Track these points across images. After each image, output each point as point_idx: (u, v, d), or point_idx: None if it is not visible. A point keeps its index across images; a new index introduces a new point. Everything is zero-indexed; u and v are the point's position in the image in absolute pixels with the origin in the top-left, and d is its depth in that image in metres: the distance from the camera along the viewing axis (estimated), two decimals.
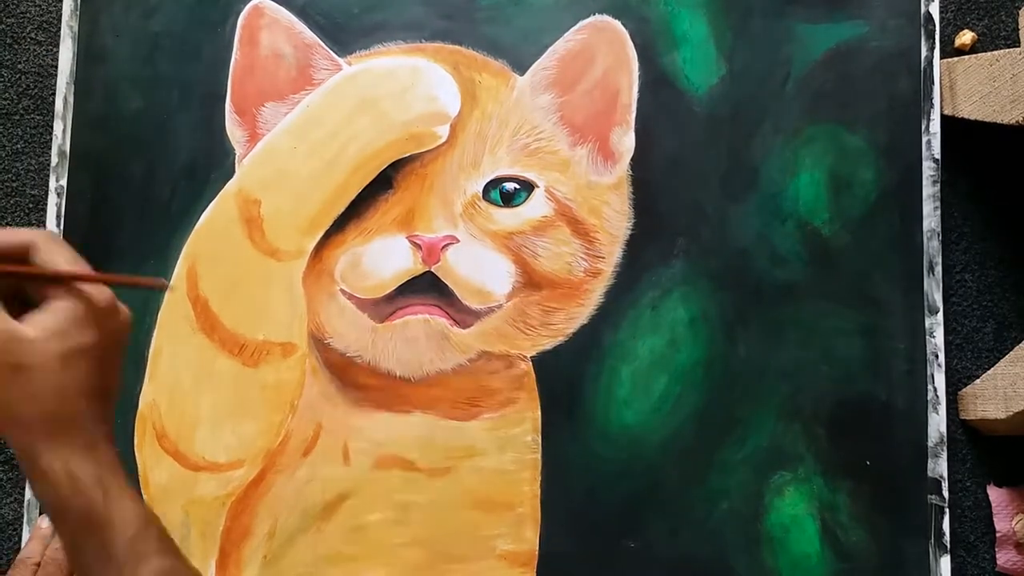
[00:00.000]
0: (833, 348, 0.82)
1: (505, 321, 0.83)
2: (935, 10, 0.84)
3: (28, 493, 0.83)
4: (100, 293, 0.57)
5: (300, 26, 0.86)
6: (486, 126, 0.84)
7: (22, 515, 0.83)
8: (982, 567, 0.81)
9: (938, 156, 0.83)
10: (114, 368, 0.60)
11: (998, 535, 0.81)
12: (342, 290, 0.83)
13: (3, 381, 0.56)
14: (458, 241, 0.83)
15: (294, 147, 0.84)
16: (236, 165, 0.85)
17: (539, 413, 0.82)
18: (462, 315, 0.83)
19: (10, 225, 0.86)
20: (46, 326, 0.56)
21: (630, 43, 0.85)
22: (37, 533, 0.76)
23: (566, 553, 0.81)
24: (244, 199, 0.84)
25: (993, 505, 0.81)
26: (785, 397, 0.82)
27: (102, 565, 0.56)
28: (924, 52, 0.84)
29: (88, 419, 0.57)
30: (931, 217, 0.82)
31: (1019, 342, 0.78)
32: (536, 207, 0.83)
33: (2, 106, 0.88)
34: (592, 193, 0.84)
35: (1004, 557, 0.81)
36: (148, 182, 0.85)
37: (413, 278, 0.82)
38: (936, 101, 0.83)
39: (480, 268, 0.83)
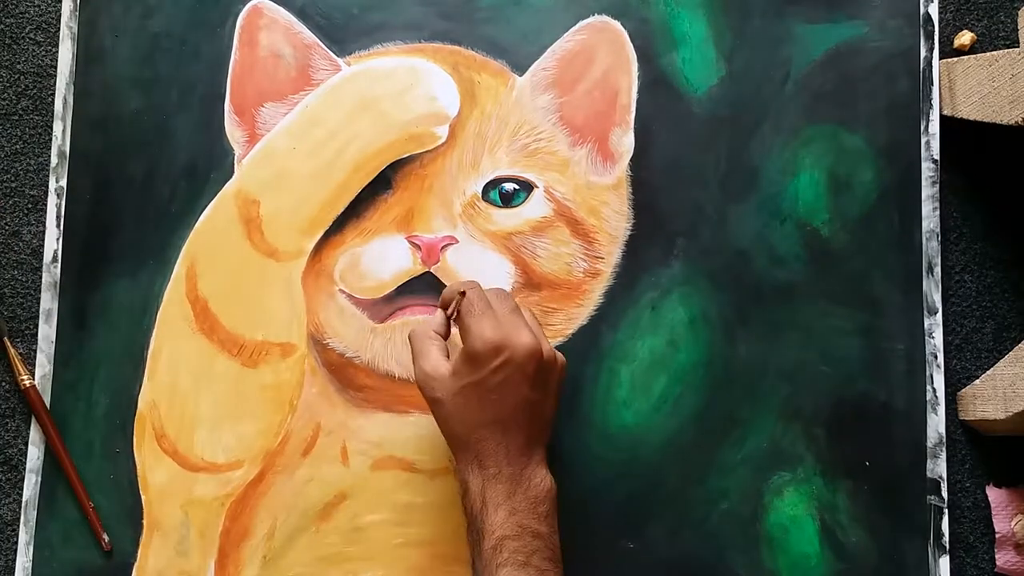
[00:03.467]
0: (832, 348, 0.82)
1: None
2: (934, 11, 0.84)
3: (26, 494, 0.83)
4: (481, 335, 0.71)
5: (299, 26, 0.86)
6: (485, 126, 0.84)
7: (19, 516, 0.83)
8: (981, 568, 0.81)
9: (937, 157, 0.83)
10: (509, 399, 0.71)
11: (997, 536, 0.81)
12: (341, 290, 0.83)
13: (432, 409, 0.74)
14: (457, 242, 0.83)
15: (293, 147, 0.84)
16: (235, 165, 0.85)
17: None
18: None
19: (8, 224, 0.86)
20: (452, 367, 0.72)
21: (630, 44, 0.85)
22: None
23: (566, 553, 0.80)
24: (243, 199, 0.84)
25: (992, 506, 0.81)
26: (784, 397, 0.82)
27: (478, 560, 0.71)
28: (923, 52, 0.84)
29: (481, 441, 0.71)
30: (930, 218, 0.82)
31: (1018, 342, 0.78)
32: (535, 207, 0.83)
33: (1, 106, 0.87)
34: (591, 193, 0.84)
35: (1003, 558, 0.81)
36: (147, 182, 0.85)
37: (412, 279, 0.82)
38: (935, 102, 0.83)
39: (479, 269, 0.83)
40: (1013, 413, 0.76)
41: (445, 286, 0.82)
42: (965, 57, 0.82)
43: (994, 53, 0.78)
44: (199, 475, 0.83)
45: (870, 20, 0.85)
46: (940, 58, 0.84)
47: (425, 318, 0.80)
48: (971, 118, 0.80)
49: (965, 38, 0.85)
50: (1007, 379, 0.77)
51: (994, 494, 0.81)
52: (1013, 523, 0.80)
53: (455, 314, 0.75)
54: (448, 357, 0.74)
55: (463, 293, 0.74)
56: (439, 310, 0.77)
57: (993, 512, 0.81)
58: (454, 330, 0.76)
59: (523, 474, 0.71)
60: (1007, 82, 0.76)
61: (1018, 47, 0.77)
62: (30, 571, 0.82)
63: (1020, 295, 0.83)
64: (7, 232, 0.86)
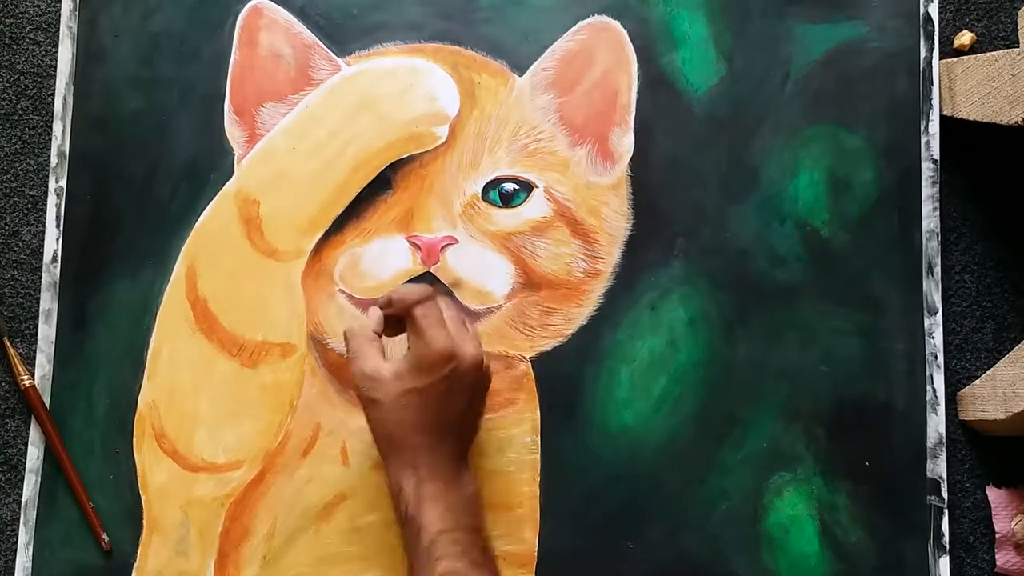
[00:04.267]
0: (832, 349, 0.82)
1: (504, 322, 0.83)
2: (934, 11, 0.84)
3: (26, 494, 0.83)
4: (433, 344, 0.72)
5: (299, 26, 0.86)
6: (485, 126, 0.84)
7: (19, 516, 0.83)
8: (981, 568, 0.81)
9: (937, 157, 0.83)
10: (449, 406, 0.73)
11: (997, 536, 0.81)
12: (341, 290, 0.83)
13: (366, 409, 0.75)
14: (457, 242, 0.83)
15: (293, 147, 0.84)
16: (235, 165, 0.85)
17: (538, 414, 0.82)
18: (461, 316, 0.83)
19: (8, 224, 0.86)
20: (395, 370, 0.73)
21: (629, 44, 0.85)
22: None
23: (565, 554, 0.81)
24: (243, 199, 0.84)
25: (992, 506, 0.81)
26: (784, 397, 0.82)
27: (414, 557, 0.71)
28: (923, 53, 0.84)
29: (418, 446, 0.72)
30: (930, 218, 0.82)
31: (1018, 343, 0.78)
32: (535, 208, 0.83)
33: (1, 106, 0.87)
34: (591, 194, 0.84)
35: (1003, 558, 0.80)
36: (147, 182, 0.85)
37: (412, 279, 0.82)
38: (935, 102, 0.83)
39: (479, 269, 0.83)
40: (1013, 413, 0.76)
41: (445, 286, 0.82)
42: (965, 57, 0.82)
43: (994, 53, 0.78)
44: (199, 475, 0.83)
45: (870, 20, 0.85)
46: (940, 58, 0.84)
47: (360, 314, 0.82)
48: (971, 118, 0.80)
49: (965, 38, 0.85)
50: (1007, 379, 0.77)
51: (994, 494, 0.81)
52: (1013, 523, 0.80)
53: (410, 320, 0.75)
54: (385, 358, 0.75)
55: (421, 301, 0.75)
56: (374, 308, 0.77)
57: (993, 512, 0.81)
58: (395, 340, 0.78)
59: (456, 476, 0.73)
60: (1007, 82, 0.76)
61: (1018, 47, 0.77)
62: (30, 571, 0.82)
63: (1020, 295, 0.83)
64: (7, 232, 0.86)
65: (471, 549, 0.71)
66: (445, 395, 0.73)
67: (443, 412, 0.73)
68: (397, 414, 0.73)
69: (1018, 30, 0.80)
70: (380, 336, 0.77)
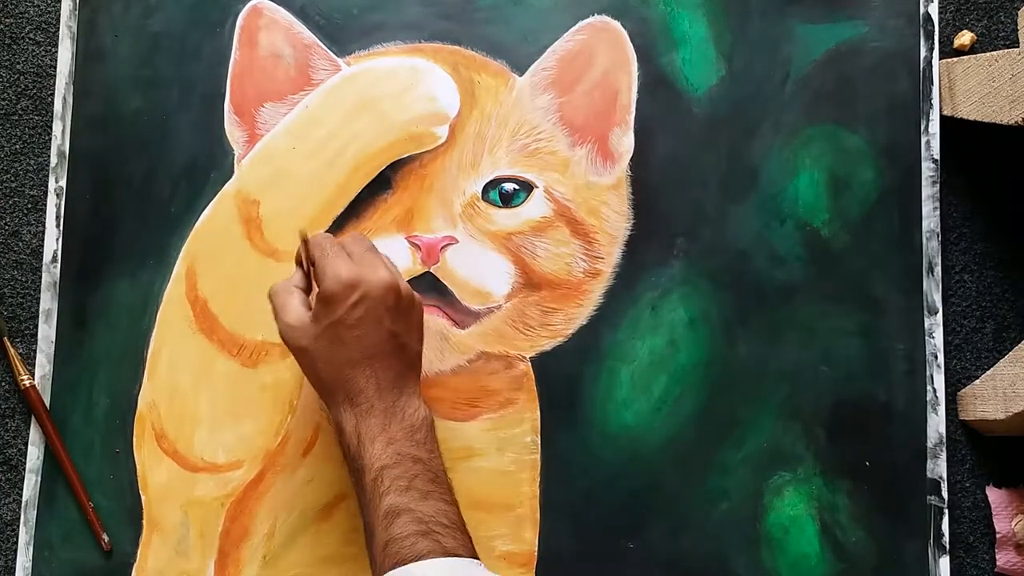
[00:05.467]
0: (832, 348, 0.82)
1: (504, 322, 0.83)
2: (934, 10, 0.84)
3: (26, 494, 0.83)
4: (334, 274, 0.71)
5: (299, 26, 0.86)
6: (485, 126, 0.84)
7: (19, 516, 0.83)
8: (981, 568, 0.81)
9: (937, 156, 0.83)
10: (370, 334, 0.71)
11: (997, 536, 0.81)
12: None
13: (298, 360, 0.74)
14: (457, 242, 0.83)
15: (293, 147, 0.84)
16: (235, 165, 0.85)
17: (538, 414, 0.82)
18: (461, 316, 0.83)
19: (8, 224, 0.86)
20: (300, 315, 0.73)
21: (629, 44, 0.85)
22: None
23: (565, 554, 0.81)
24: (243, 199, 0.84)
25: (992, 506, 0.81)
26: (784, 397, 0.82)
27: (361, 496, 0.71)
28: (923, 52, 0.84)
29: (348, 380, 0.71)
30: (930, 217, 0.82)
31: (1018, 343, 0.78)
32: (535, 208, 0.83)
33: (1, 106, 0.87)
34: (591, 193, 0.84)
35: (1004, 558, 0.81)
36: (147, 182, 0.85)
37: (412, 279, 0.82)
38: (935, 101, 0.83)
39: (479, 269, 0.83)
40: (1013, 413, 0.76)
41: (445, 286, 0.82)
42: (965, 57, 0.82)
43: (994, 53, 0.78)
44: (199, 475, 0.83)
45: (870, 20, 0.85)
46: (940, 58, 0.84)
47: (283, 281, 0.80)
48: (971, 118, 0.80)
49: (965, 38, 0.85)
50: (1007, 379, 0.78)
51: (994, 494, 0.81)
52: (1013, 523, 0.80)
53: (310, 264, 0.75)
54: (310, 308, 0.74)
55: (306, 240, 0.75)
56: (296, 266, 0.77)
57: (993, 512, 0.81)
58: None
59: (396, 405, 0.72)
60: (1007, 82, 0.76)
61: (1018, 47, 0.77)
62: (30, 571, 0.82)
63: (1020, 295, 0.83)
64: (7, 232, 0.86)
65: (417, 480, 0.69)
66: (361, 323, 0.71)
67: (365, 341, 0.71)
68: (322, 354, 0.72)
69: (1018, 30, 0.80)
70: (305, 291, 0.76)
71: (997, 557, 0.81)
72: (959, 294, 0.83)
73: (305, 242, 0.75)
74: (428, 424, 0.73)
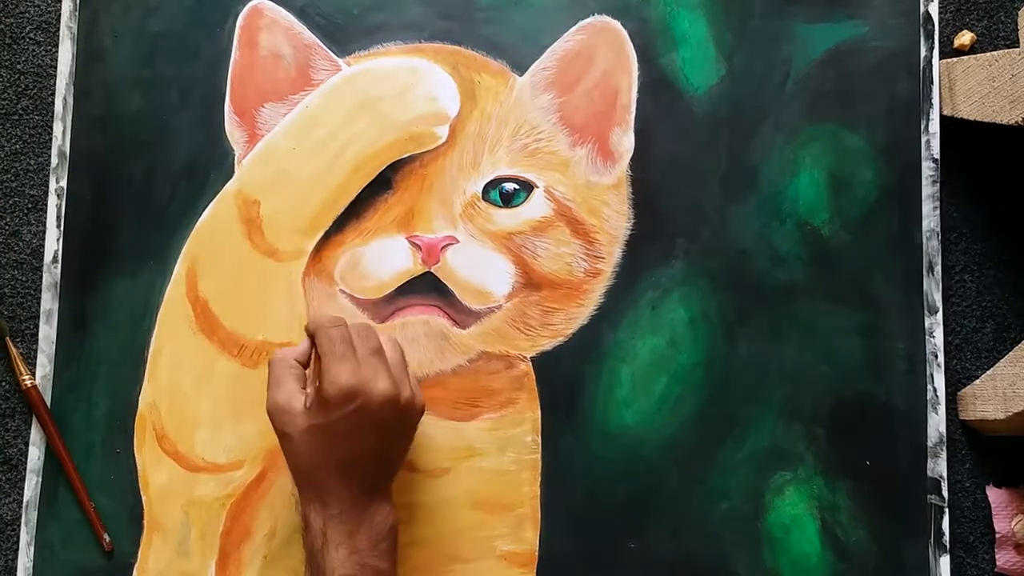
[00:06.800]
0: (833, 348, 0.82)
1: (505, 322, 0.83)
2: (934, 9, 0.84)
3: (27, 495, 0.83)
4: (335, 380, 0.69)
5: (299, 27, 0.86)
6: (485, 126, 0.84)
7: (20, 516, 0.83)
8: (981, 568, 0.81)
9: (937, 156, 0.83)
10: (356, 444, 0.71)
11: (997, 536, 0.81)
12: (342, 291, 0.83)
13: (280, 441, 0.73)
14: (458, 241, 0.83)
15: (293, 148, 0.84)
16: (235, 166, 0.85)
17: (539, 413, 0.82)
18: (462, 316, 0.83)
19: (8, 224, 0.86)
20: (304, 403, 0.71)
21: (630, 43, 0.85)
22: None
23: (566, 553, 0.81)
24: (243, 200, 0.84)
25: (992, 506, 0.81)
26: (785, 397, 0.82)
27: None
28: (923, 52, 0.84)
29: (324, 481, 0.71)
30: (930, 217, 0.83)
31: (1018, 342, 0.78)
32: (535, 207, 0.83)
33: (1, 106, 0.87)
34: (591, 193, 0.84)
35: (1003, 558, 0.81)
36: (147, 183, 0.85)
37: (413, 279, 0.82)
38: (935, 101, 0.83)
39: (480, 269, 0.83)
40: (1013, 413, 0.76)
41: (445, 286, 0.82)
42: (965, 57, 0.82)
43: (994, 53, 0.78)
44: (200, 475, 0.83)
45: (870, 19, 0.85)
46: (940, 58, 0.84)
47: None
48: (971, 118, 0.80)
49: (965, 38, 0.85)
50: (1007, 379, 0.78)
51: (994, 494, 0.81)
52: (1013, 523, 0.80)
53: (314, 352, 0.74)
54: (305, 388, 0.73)
55: (313, 334, 0.73)
56: (307, 338, 0.76)
57: (993, 512, 0.81)
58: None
59: (365, 513, 0.71)
60: (1007, 82, 0.76)
61: (1018, 47, 0.77)
62: (31, 571, 0.82)
63: (1020, 295, 0.83)
64: (7, 232, 0.86)
65: None
66: (351, 433, 0.70)
67: (349, 450, 0.71)
68: (305, 448, 0.71)
69: (1018, 30, 0.80)
70: (304, 366, 0.75)
71: (997, 557, 0.81)
72: (959, 294, 0.83)
73: (312, 336, 0.74)
74: (393, 533, 0.72)
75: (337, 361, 0.71)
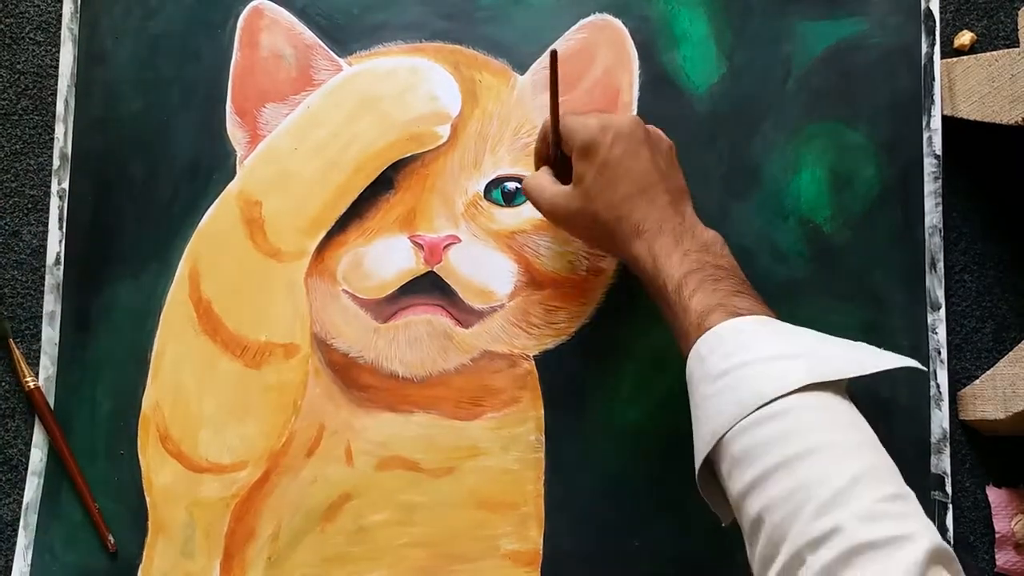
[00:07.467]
0: None
1: (507, 320, 0.83)
2: (935, 6, 0.84)
3: (27, 496, 0.83)
4: (582, 127, 0.74)
5: (300, 27, 0.85)
6: (487, 125, 0.84)
7: (19, 517, 0.83)
8: (981, 568, 0.82)
9: (939, 152, 0.83)
10: (636, 165, 0.73)
11: (997, 536, 0.81)
12: (344, 290, 0.83)
13: (569, 225, 0.77)
14: (460, 241, 0.83)
15: (295, 148, 0.84)
16: (237, 166, 0.85)
17: (542, 412, 0.82)
18: (464, 315, 0.83)
19: (9, 225, 0.86)
20: (558, 186, 0.77)
21: (630, 42, 0.85)
22: None
23: (570, 552, 0.81)
24: (245, 200, 0.84)
25: (992, 506, 0.81)
26: None
27: (669, 312, 0.70)
28: (924, 48, 0.84)
29: (629, 211, 0.72)
30: (933, 213, 0.83)
31: (1018, 342, 0.78)
32: None
33: (1, 106, 0.87)
34: None
35: (1003, 558, 0.81)
36: (149, 184, 0.85)
37: (415, 278, 0.82)
38: (937, 97, 0.84)
39: (482, 268, 0.83)
40: (1013, 413, 0.77)
41: (448, 285, 0.82)
42: (965, 57, 0.82)
43: (994, 53, 0.78)
44: (203, 476, 0.83)
45: (871, 17, 0.85)
46: (940, 57, 0.84)
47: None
48: (971, 118, 0.80)
49: (965, 38, 0.85)
50: (1007, 379, 0.78)
51: (994, 494, 0.82)
52: (1013, 523, 0.81)
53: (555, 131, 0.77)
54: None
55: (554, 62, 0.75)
56: (536, 160, 0.81)
57: (993, 512, 0.81)
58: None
59: (682, 227, 0.72)
60: (1007, 82, 0.76)
61: (1018, 47, 0.77)
62: (27, 574, 0.82)
63: (1020, 295, 0.84)
64: (7, 232, 0.86)
65: (723, 283, 0.69)
66: (624, 159, 0.73)
67: (633, 174, 0.73)
68: (597, 200, 0.73)
69: (1018, 30, 0.80)
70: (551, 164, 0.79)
71: (997, 557, 0.81)
72: (959, 294, 0.84)
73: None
74: (721, 242, 0.73)
75: (572, 118, 0.75)
